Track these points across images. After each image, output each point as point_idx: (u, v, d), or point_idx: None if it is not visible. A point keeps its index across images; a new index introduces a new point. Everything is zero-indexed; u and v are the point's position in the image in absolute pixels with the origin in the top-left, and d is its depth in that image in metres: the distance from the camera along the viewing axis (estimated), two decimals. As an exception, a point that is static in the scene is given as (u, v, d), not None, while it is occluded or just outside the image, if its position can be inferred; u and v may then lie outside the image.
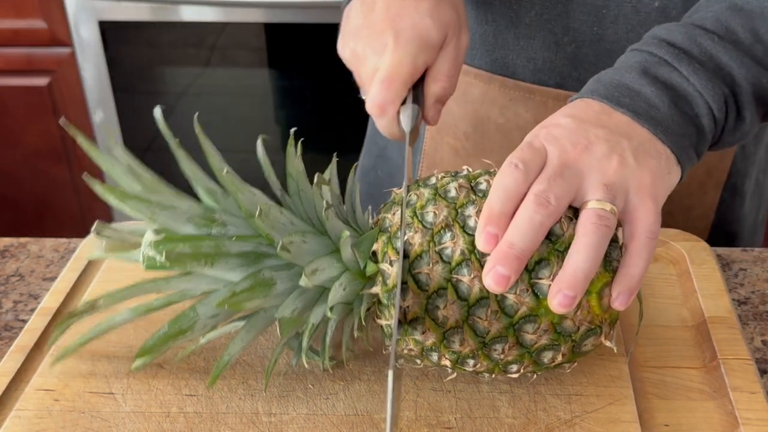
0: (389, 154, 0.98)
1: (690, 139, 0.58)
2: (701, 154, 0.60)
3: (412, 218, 0.55)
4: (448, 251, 0.54)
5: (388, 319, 0.57)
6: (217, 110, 1.93)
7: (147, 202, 0.56)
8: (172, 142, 0.59)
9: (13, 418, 0.60)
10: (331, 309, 0.55)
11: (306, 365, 0.59)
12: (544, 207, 0.51)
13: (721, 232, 0.89)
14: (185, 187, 0.60)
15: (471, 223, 0.54)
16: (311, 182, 0.59)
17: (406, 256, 0.55)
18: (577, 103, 0.60)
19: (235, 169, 0.57)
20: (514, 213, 0.52)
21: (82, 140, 0.57)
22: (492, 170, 0.58)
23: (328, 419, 0.59)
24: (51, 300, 0.71)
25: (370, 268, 0.57)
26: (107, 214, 1.84)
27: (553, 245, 0.53)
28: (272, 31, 1.79)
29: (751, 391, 0.60)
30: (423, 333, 0.55)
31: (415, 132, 0.65)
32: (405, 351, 0.57)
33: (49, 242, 0.83)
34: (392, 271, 0.56)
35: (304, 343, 0.57)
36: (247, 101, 1.92)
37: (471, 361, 0.56)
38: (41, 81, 1.86)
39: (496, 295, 0.53)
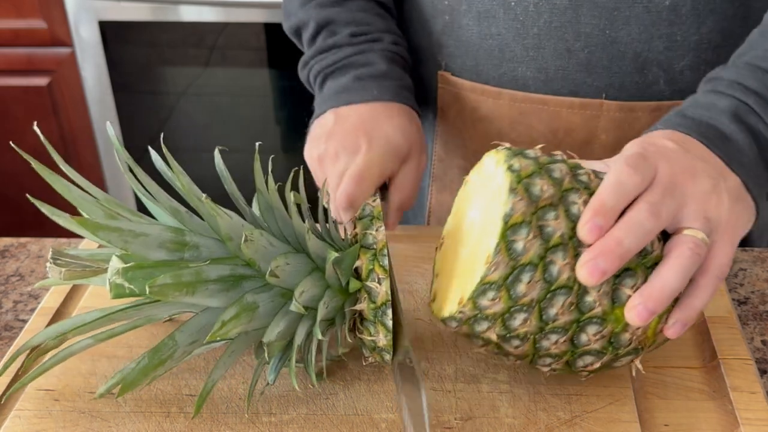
0: None
1: (765, 188, 0.60)
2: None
3: (517, 184, 0.53)
4: (549, 229, 0.52)
5: (373, 335, 0.58)
6: (217, 110, 1.93)
7: (119, 231, 0.54)
8: (127, 164, 0.58)
9: (13, 418, 0.60)
10: (318, 328, 0.55)
11: (297, 387, 0.58)
12: (656, 218, 0.52)
13: None
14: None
15: (574, 210, 0.53)
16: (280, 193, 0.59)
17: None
18: (672, 132, 0.59)
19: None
20: (620, 214, 0.52)
21: (36, 164, 0.55)
22: (582, 165, 0.57)
23: (328, 419, 0.59)
24: (51, 300, 0.71)
25: (354, 285, 0.58)
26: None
27: (641, 259, 0.53)
28: (272, 31, 1.79)
29: (751, 391, 0.60)
30: (492, 300, 0.53)
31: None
32: (457, 314, 0.55)
33: (49, 242, 0.83)
34: (381, 289, 0.57)
35: (293, 364, 0.57)
36: (247, 101, 1.92)
37: (516, 342, 0.55)
38: (41, 81, 1.86)
39: (579, 288, 0.52)
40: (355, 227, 0.61)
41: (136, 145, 1.95)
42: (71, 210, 0.57)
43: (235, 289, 0.55)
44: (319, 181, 0.75)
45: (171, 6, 1.75)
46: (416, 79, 0.84)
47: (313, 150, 0.74)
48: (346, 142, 0.72)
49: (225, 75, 1.90)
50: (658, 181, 0.54)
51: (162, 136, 0.62)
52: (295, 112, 1.90)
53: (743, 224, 0.57)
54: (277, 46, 1.82)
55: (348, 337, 0.60)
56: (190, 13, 1.75)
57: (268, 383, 0.60)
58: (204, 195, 0.55)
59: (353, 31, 0.81)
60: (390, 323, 0.57)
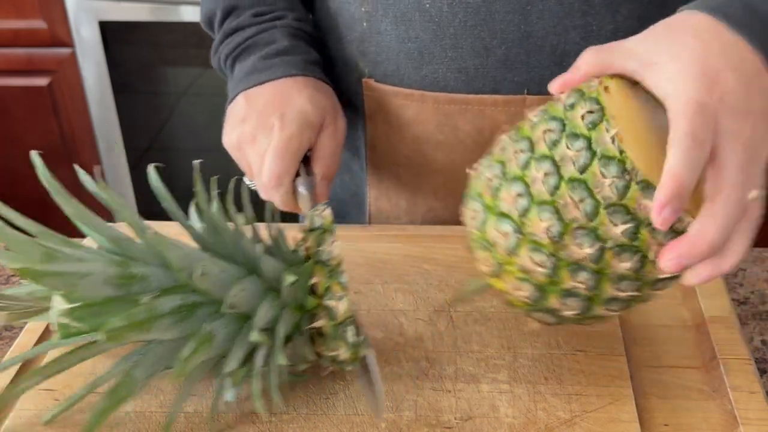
0: (339, 197, 0.96)
1: None
2: None
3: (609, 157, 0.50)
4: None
5: (334, 350, 0.58)
6: (217, 110, 1.92)
7: (62, 276, 0.52)
8: (61, 195, 0.56)
9: (13, 417, 0.60)
10: (279, 351, 0.55)
11: (261, 409, 0.57)
12: (742, 209, 0.49)
13: None
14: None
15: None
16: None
17: None
18: (725, 35, 0.52)
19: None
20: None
21: None
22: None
23: (328, 419, 0.59)
24: (51, 300, 0.71)
25: (311, 302, 0.57)
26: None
27: None
28: (272, 31, 1.79)
29: (751, 391, 0.60)
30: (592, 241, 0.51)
31: (310, 203, 0.70)
32: (529, 263, 0.52)
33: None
34: (341, 306, 0.56)
35: (255, 388, 0.56)
36: (247, 101, 1.92)
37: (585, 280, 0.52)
38: (41, 81, 1.86)
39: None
40: (306, 240, 0.60)
41: (136, 145, 1.95)
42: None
43: (189, 319, 0.54)
44: (242, 167, 0.75)
45: (171, 6, 1.75)
46: (341, 88, 0.84)
47: (230, 136, 0.75)
48: (261, 122, 0.72)
49: (225, 75, 1.90)
50: (723, 143, 0.49)
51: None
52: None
53: None
54: (277, 46, 1.82)
55: (308, 354, 0.59)
56: (190, 13, 1.75)
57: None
58: (148, 228, 0.54)
59: (256, 11, 0.82)
60: (353, 339, 0.57)
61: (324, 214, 0.61)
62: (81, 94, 1.88)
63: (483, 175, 0.55)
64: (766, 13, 0.53)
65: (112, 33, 1.80)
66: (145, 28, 1.80)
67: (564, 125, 0.52)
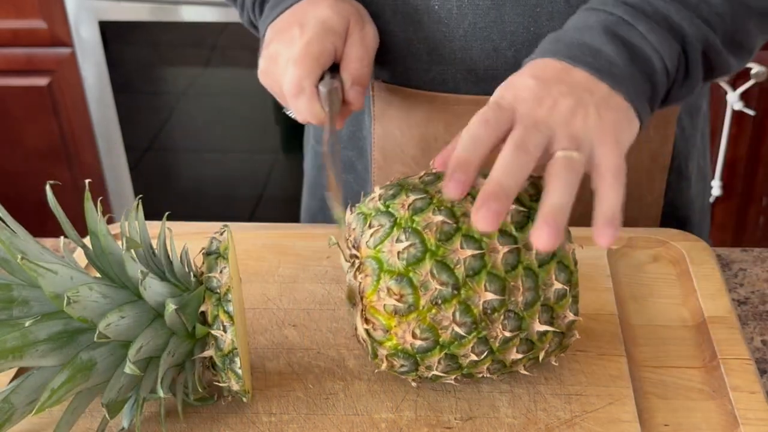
0: None
1: (646, 94, 0.61)
2: (654, 108, 0.63)
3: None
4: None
5: (225, 382, 0.57)
6: (217, 110, 1.93)
7: None
8: None
9: (13, 418, 0.60)
10: (162, 382, 0.53)
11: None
12: (524, 152, 0.54)
13: (673, 218, 0.90)
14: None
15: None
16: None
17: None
18: (537, 62, 0.62)
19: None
20: (482, 163, 0.54)
21: None
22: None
23: (328, 419, 0.59)
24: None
25: (200, 331, 0.55)
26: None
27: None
28: (272, 31, 1.79)
29: (751, 391, 0.60)
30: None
31: (336, 115, 0.68)
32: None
33: (49, 242, 0.83)
34: (226, 337, 0.55)
35: (138, 421, 0.55)
36: (247, 101, 1.92)
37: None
38: (41, 81, 1.86)
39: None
40: (202, 263, 0.58)
41: (136, 145, 1.95)
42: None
43: (69, 346, 0.52)
44: (275, 95, 0.73)
45: (171, 6, 1.75)
46: None
47: (260, 67, 0.73)
48: (281, 39, 0.71)
49: (225, 75, 1.90)
50: (518, 121, 0.56)
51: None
52: (295, 112, 1.90)
53: (623, 128, 0.58)
54: (277, 46, 1.82)
55: (198, 385, 0.57)
56: (190, 13, 1.75)
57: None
58: (20, 255, 0.51)
59: None
60: (240, 371, 0.56)
61: (221, 238, 0.58)
62: (81, 94, 1.88)
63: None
64: (571, 38, 0.62)
65: (112, 33, 1.80)
66: (145, 28, 1.80)
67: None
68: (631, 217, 0.80)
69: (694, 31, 0.63)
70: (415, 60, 0.79)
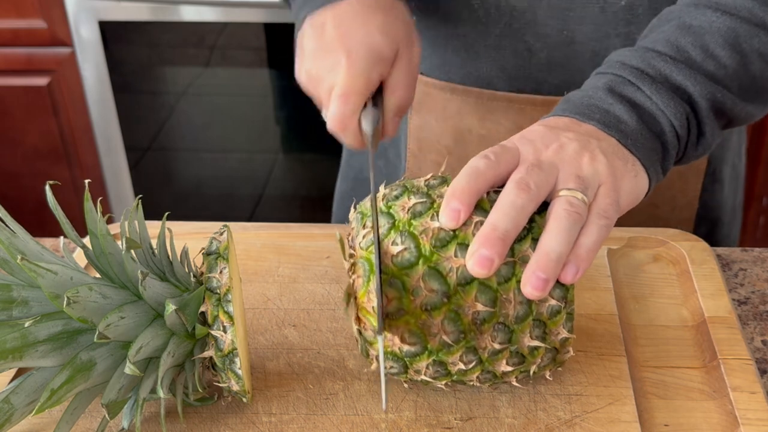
0: (365, 176, 0.96)
1: (657, 155, 0.61)
2: (667, 170, 0.62)
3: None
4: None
5: (225, 382, 0.57)
6: (217, 110, 1.93)
7: None
8: None
9: (13, 418, 0.60)
10: (162, 383, 0.52)
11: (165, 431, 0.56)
12: (525, 191, 0.53)
13: (705, 220, 0.91)
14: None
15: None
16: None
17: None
18: (548, 118, 0.62)
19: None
20: (479, 195, 0.54)
21: None
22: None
23: (328, 419, 0.59)
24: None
25: (200, 331, 0.55)
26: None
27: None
28: (272, 31, 1.79)
29: (751, 391, 0.60)
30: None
31: (377, 137, 0.66)
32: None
33: (49, 242, 0.83)
34: (226, 337, 0.55)
35: (138, 421, 0.54)
36: (247, 101, 1.92)
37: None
38: (41, 81, 1.86)
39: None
40: (202, 263, 0.58)
41: (136, 145, 1.95)
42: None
43: (69, 346, 0.52)
44: (316, 102, 0.71)
45: (171, 6, 1.75)
46: None
47: (300, 73, 0.70)
48: (326, 61, 0.67)
49: (225, 75, 1.90)
50: (522, 160, 0.55)
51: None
52: (295, 112, 1.90)
53: (628, 178, 0.58)
54: (277, 46, 1.82)
55: (198, 385, 0.57)
56: (190, 13, 1.75)
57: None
58: (20, 255, 0.51)
59: None
60: (240, 372, 0.56)
61: (221, 238, 0.58)
62: (81, 94, 1.88)
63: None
64: (581, 99, 0.62)
65: (111, 33, 1.80)
66: (145, 28, 1.80)
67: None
68: (663, 219, 0.80)
69: (699, 89, 0.62)
70: (453, 55, 0.81)
